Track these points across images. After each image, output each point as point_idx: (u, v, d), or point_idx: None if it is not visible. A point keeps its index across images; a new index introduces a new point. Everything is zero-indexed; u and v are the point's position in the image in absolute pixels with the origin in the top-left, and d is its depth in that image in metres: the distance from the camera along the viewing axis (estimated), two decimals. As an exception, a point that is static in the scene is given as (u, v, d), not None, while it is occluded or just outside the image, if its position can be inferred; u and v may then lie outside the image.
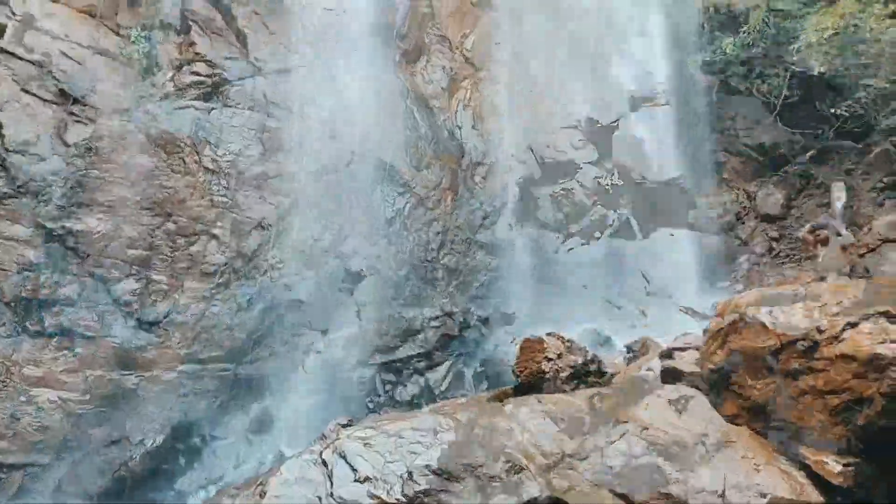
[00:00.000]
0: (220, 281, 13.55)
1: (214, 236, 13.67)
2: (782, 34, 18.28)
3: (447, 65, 17.64)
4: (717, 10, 20.91)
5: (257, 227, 14.02)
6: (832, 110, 16.18)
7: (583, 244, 17.81)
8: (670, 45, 19.80)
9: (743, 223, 18.79)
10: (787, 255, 17.39)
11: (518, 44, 18.32)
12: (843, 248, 10.11)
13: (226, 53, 14.69)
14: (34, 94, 13.19)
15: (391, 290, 15.11)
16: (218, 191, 13.83)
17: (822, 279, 10.09)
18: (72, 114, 13.49)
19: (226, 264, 13.64)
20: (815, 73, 15.52)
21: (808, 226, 15.70)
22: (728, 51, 19.42)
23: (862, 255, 11.00)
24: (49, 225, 12.62)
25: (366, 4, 16.16)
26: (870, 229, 11.68)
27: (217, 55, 14.56)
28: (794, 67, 17.57)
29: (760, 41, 18.78)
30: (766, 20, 18.87)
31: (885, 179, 16.76)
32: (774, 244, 17.90)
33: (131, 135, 13.36)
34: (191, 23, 14.62)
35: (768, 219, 18.53)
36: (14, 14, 13.56)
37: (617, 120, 18.94)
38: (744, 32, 19.38)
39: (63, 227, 12.71)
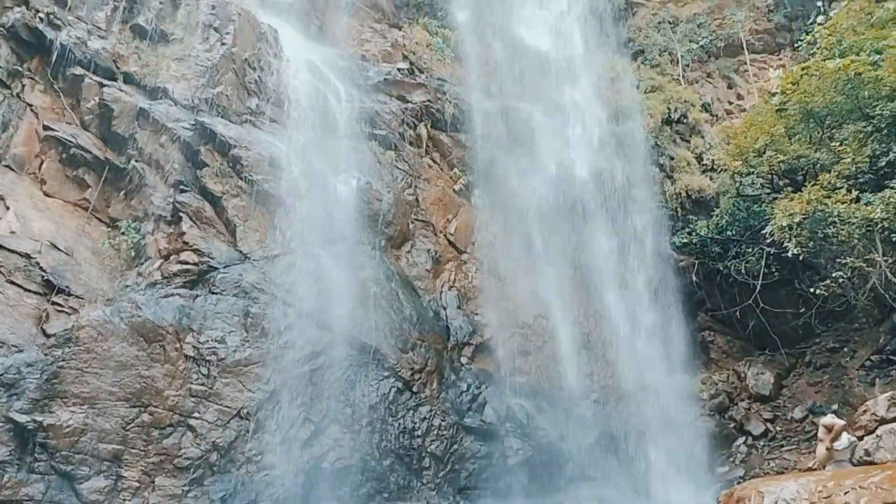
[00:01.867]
0: (194, 476, 12.83)
1: (191, 427, 13.14)
2: (753, 217, 18.96)
3: (431, 248, 18.05)
4: (689, 195, 21.94)
5: (236, 417, 13.53)
6: (811, 290, 16.21)
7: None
8: (649, 226, 20.55)
9: (736, 404, 18.34)
10: (784, 437, 16.82)
11: (498, 229, 18.92)
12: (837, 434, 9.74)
13: (214, 242, 14.99)
14: (19, 286, 13.23)
15: (374, 483, 14.33)
16: (197, 379, 13.50)
17: (823, 466, 9.68)
18: (55, 304, 13.46)
19: (201, 458, 12.99)
20: (790, 254, 15.71)
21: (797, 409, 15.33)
22: (702, 233, 20.08)
23: (860, 438, 10.61)
24: (19, 419, 12.12)
25: (352, 195, 16.81)
26: (865, 410, 11.33)
27: (206, 244, 14.84)
28: (768, 249, 17.95)
29: (734, 224, 19.44)
30: (737, 204, 19.68)
31: (872, 357, 16.64)
32: (770, 426, 17.37)
33: (113, 324, 13.23)
34: (181, 214, 15.04)
35: (761, 399, 18.13)
36: (8, 208, 13.97)
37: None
38: (716, 216, 20.16)
39: (34, 421, 12.19)
